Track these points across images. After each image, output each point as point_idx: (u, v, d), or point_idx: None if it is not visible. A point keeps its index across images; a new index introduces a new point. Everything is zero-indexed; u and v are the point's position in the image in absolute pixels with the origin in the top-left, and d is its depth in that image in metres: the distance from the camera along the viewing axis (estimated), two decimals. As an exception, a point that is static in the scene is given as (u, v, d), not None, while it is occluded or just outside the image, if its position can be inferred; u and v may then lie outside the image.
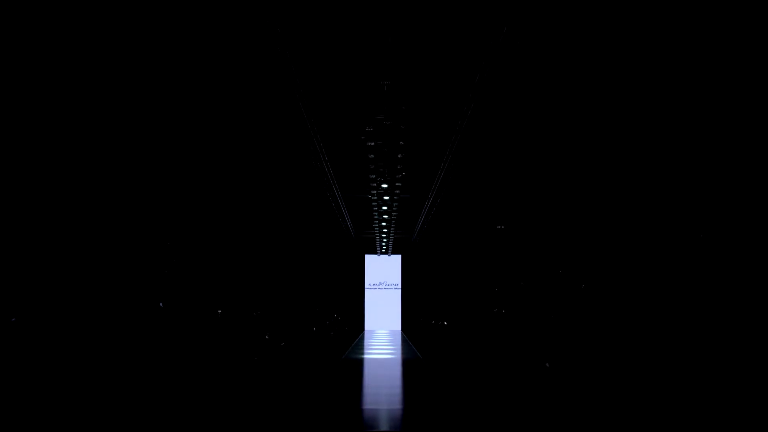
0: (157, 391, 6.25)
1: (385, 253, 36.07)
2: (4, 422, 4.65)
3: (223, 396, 7.97)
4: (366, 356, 16.83)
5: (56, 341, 5.33)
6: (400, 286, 36.08)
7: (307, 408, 7.89)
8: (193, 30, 9.26)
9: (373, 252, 35.79)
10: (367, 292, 36.15)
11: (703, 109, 6.56)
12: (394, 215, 26.21)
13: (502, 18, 9.59)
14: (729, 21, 6.17)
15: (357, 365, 13.93)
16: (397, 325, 35.96)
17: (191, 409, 6.85)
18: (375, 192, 21.65)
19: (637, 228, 7.50)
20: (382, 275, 36.44)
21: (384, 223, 28.39)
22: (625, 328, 6.27)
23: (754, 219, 5.39)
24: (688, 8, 6.74)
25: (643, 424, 5.42)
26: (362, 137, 15.36)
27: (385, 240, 32.65)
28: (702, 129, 6.57)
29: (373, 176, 19.29)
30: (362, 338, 28.02)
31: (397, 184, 20.26)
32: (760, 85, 5.71)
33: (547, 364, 7.63)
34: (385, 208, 24.58)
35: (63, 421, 5.04)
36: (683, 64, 6.92)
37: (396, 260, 36.28)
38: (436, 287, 27.11)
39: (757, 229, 5.25)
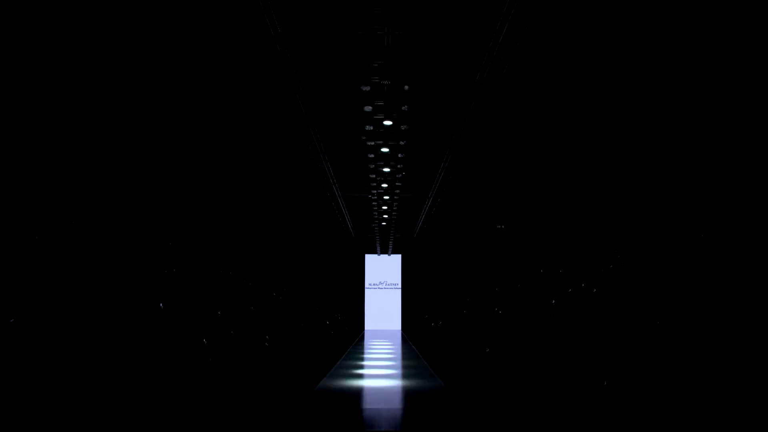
0: (156, 391, 6.25)
1: (385, 252, 36.07)
2: (4, 422, 4.66)
3: (223, 397, 7.98)
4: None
5: (56, 342, 5.34)
6: (400, 285, 36.06)
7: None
8: (193, 32, 9.26)
9: (373, 252, 35.79)
10: (367, 292, 36.14)
11: (701, 110, 6.57)
12: (394, 215, 26.20)
13: (503, 17, 9.59)
14: (729, 22, 6.17)
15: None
16: (397, 325, 35.95)
17: (191, 409, 6.86)
18: (375, 192, 21.66)
19: (637, 227, 7.51)
20: (382, 275, 36.43)
21: (384, 223, 28.40)
22: (626, 328, 6.27)
23: (752, 220, 5.40)
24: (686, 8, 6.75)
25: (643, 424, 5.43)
26: (362, 137, 15.35)
27: (385, 240, 32.66)
28: (701, 129, 6.57)
29: (373, 176, 19.30)
30: (360, 340, 27.96)
31: (397, 184, 20.25)
32: (758, 85, 5.71)
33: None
34: (385, 208, 24.59)
35: (63, 422, 5.05)
36: (682, 63, 6.92)
37: (396, 260, 36.28)
38: (438, 286, 27.09)
39: (753, 229, 5.27)
